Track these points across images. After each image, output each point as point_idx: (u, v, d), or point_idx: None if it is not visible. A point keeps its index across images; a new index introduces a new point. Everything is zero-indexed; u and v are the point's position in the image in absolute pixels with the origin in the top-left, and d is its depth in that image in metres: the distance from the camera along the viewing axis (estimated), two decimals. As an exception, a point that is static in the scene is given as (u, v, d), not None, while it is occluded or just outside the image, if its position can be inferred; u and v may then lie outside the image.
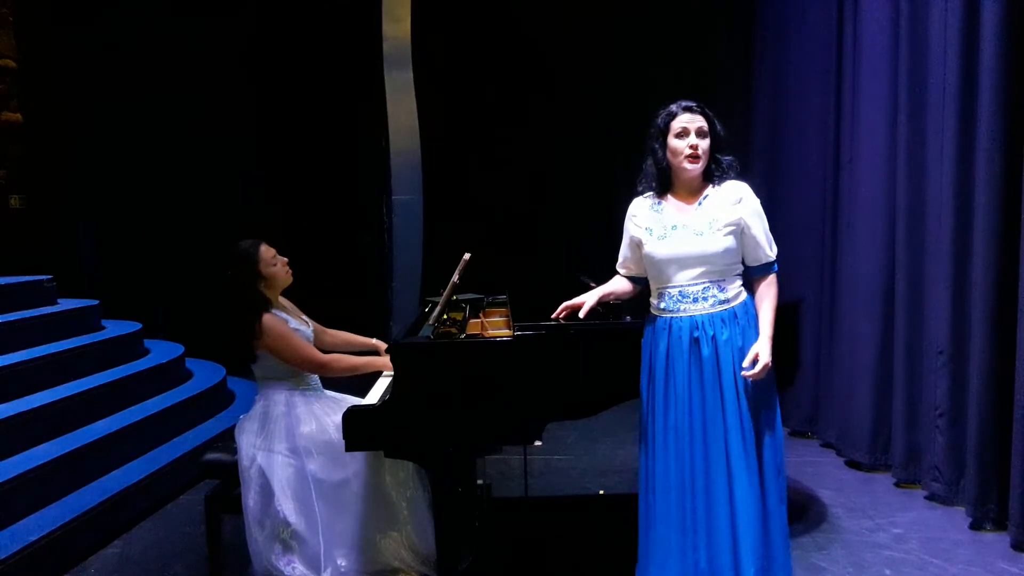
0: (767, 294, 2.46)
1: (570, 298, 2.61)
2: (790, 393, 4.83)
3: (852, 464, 4.26)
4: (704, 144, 2.41)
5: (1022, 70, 3.21)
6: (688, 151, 2.40)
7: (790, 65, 4.86)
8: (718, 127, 2.43)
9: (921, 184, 3.79)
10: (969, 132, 3.41)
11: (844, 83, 4.39)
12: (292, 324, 2.92)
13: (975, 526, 3.38)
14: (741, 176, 2.49)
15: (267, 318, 2.82)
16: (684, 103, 2.44)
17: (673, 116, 2.43)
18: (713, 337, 2.41)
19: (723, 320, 2.42)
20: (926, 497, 3.74)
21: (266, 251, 2.91)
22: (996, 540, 3.26)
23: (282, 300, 3.02)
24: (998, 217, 3.26)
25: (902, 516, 3.55)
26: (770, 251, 2.47)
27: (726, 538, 2.40)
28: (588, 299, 2.58)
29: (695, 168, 2.42)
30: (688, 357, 2.42)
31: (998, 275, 3.28)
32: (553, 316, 2.60)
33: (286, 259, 2.97)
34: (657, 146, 2.46)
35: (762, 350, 2.36)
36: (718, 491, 2.41)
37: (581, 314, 2.56)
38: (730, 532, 2.40)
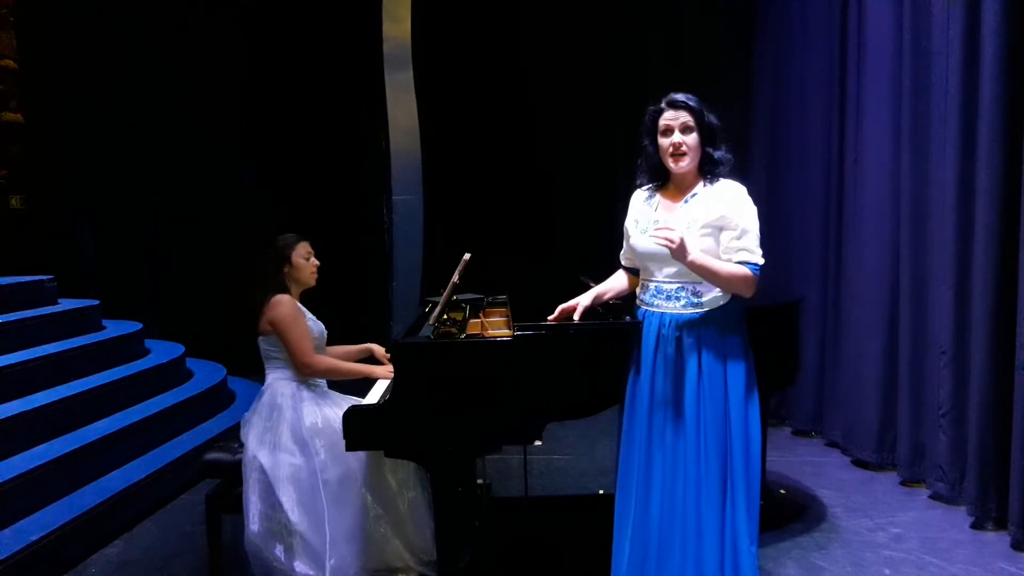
0: (732, 263, 2.33)
1: (570, 299, 2.61)
2: (793, 392, 4.84)
3: (859, 463, 4.25)
4: (689, 140, 2.37)
5: (1023, 70, 3.21)
6: (671, 149, 2.38)
7: (792, 64, 4.85)
8: (707, 119, 2.38)
9: (924, 184, 3.79)
10: (971, 131, 3.41)
11: (848, 83, 4.38)
12: (309, 315, 2.99)
13: (976, 525, 3.38)
14: (737, 173, 2.46)
15: (281, 296, 2.90)
16: (670, 98, 2.40)
17: (660, 113, 2.41)
18: (679, 339, 2.39)
19: (692, 323, 2.39)
20: (930, 496, 3.74)
21: (304, 245, 3.01)
22: (996, 540, 3.26)
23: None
24: (999, 218, 3.26)
25: (902, 516, 3.55)
26: (751, 254, 2.34)
27: (678, 551, 2.37)
28: (582, 301, 2.58)
29: (679, 166, 2.39)
30: (654, 352, 2.43)
31: (999, 275, 3.28)
32: (550, 319, 2.61)
33: (319, 263, 3.04)
34: (648, 142, 2.46)
35: (683, 236, 2.23)
36: (673, 499, 2.38)
37: (576, 316, 2.56)
38: (681, 545, 2.36)
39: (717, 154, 2.40)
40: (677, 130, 2.37)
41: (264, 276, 2.95)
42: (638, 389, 2.47)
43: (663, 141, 2.40)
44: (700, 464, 2.36)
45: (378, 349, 3.23)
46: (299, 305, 2.97)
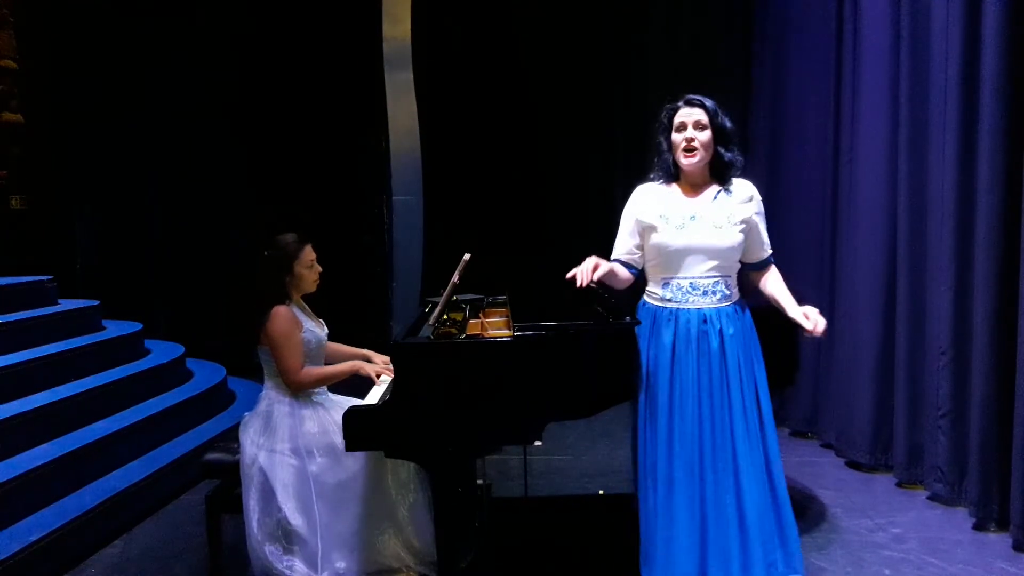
0: (778, 278, 2.66)
1: (569, 299, 2.62)
2: (789, 393, 4.83)
3: (852, 464, 4.25)
4: (702, 137, 2.43)
5: None
6: (683, 144, 2.45)
7: (790, 62, 4.85)
8: (721, 120, 2.45)
9: (922, 182, 3.78)
10: (971, 130, 3.40)
11: (844, 81, 4.38)
12: (307, 325, 2.92)
13: (978, 527, 3.38)
14: (743, 173, 2.54)
15: (280, 308, 2.83)
16: (687, 96, 2.48)
17: (675, 110, 2.49)
18: (720, 331, 2.46)
19: (728, 315, 2.48)
20: (928, 498, 3.74)
21: (309, 252, 2.93)
22: (998, 541, 3.26)
23: (302, 301, 3.03)
24: (1000, 216, 3.26)
25: (902, 516, 3.55)
26: (769, 248, 2.62)
27: (734, 531, 2.44)
28: (601, 263, 2.49)
29: (690, 161, 2.45)
30: (696, 349, 2.46)
31: (1000, 275, 3.28)
32: (568, 276, 2.49)
33: (320, 269, 2.98)
34: (662, 139, 2.53)
35: (811, 311, 2.53)
36: (725, 484, 2.45)
37: (596, 275, 2.46)
38: (738, 524, 2.44)
39: (728, 155, 2.47)
40: (690, 126, 2.44)
41: (264, 281, 2.87)
42: (682, 388, 2.47)
43: (676, 137, 2.47)
44: (751, 450, 2.47)
45: (377, 357, 3.15)
46: (298, 314, 2.90)
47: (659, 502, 2.50)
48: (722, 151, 2.46)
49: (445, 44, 6.56)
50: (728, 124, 2.48)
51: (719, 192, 2.50)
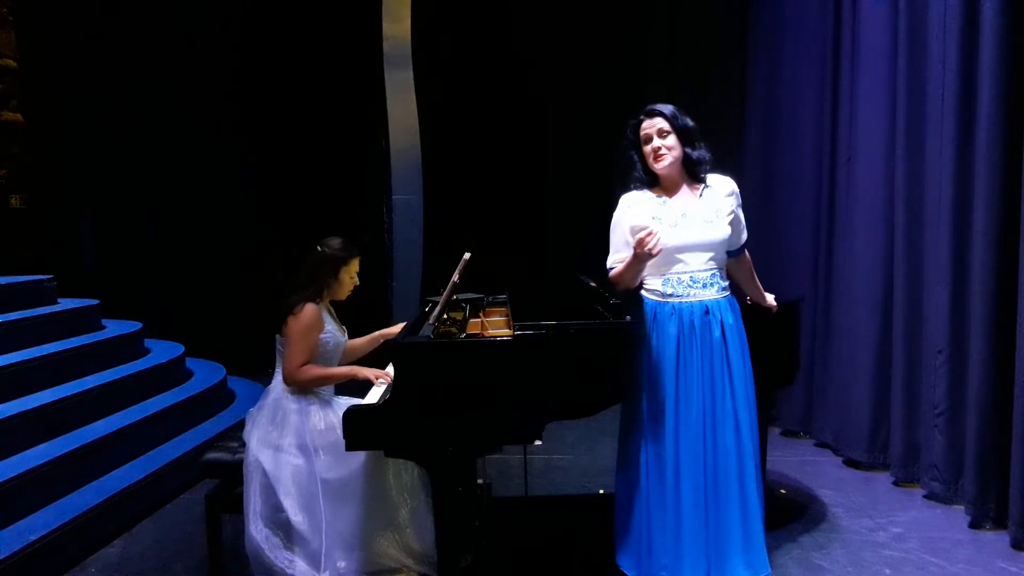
0: (751, 266, 2.88)
1: (569, 298, 2.65)
2: (782, 393, 4.82)
3: (850, 463, 4.26)
4: (668, 142, 2.57)
5: (1022, 68, 3.20)
6: (652, 154, 2.59)
7: (785, 62, 4.85)
8: (681, 121, 2.58)
9: (919, 182, 3.78)
10: (968, 130, 3.41)
11: (841, 80, 4.38)
12: (329, 327, 2.94)
13: (975, 525, 3.38)
14: (733, 172, 2.67)
15: (310, 305, 2.86)
16: (647, 108, 2.62)
17: (638, 124, 2.62)
18: (721, 321, 2.56)
19: (726, 306, 2.59)
20: (925, 496, 3.75)
21: (355, 264, 2.97)
22: (996, 539, 3.26)
23: (329, 305, 3.05)
24: (997, 214, 3.26)
25: (902, 515, 3.55)
26: (746, 234, 2.77)
27: (735, 517, 2.52)
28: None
29: (663, 165, 2.58)
30: (700, 340, 2.54)
31: (997, 273, 3.28)
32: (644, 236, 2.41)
33: (358, 283, 3.01)
34: (633, 153, 2.66)
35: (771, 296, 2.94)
36: (727, 472, 2.52)
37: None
38: (739, 511, 2.52)
39: (695, 154, 2.61)
40: (655, 136, 2.58)
41: (305, 276, 2.91)
42: (687, 378, 2.54)
43: (646, 148, 2.61)
44: (753, 436, 2.58)
45: (390, 332, 3.17)
46: (324, 316, 2.92)
47: (667, 493, 2.54)
48: (689, 151, 2.60)
49: (445, 43, 6.56)
50: (689, 124, 2.60)
51: (703, 189, 2.63)
